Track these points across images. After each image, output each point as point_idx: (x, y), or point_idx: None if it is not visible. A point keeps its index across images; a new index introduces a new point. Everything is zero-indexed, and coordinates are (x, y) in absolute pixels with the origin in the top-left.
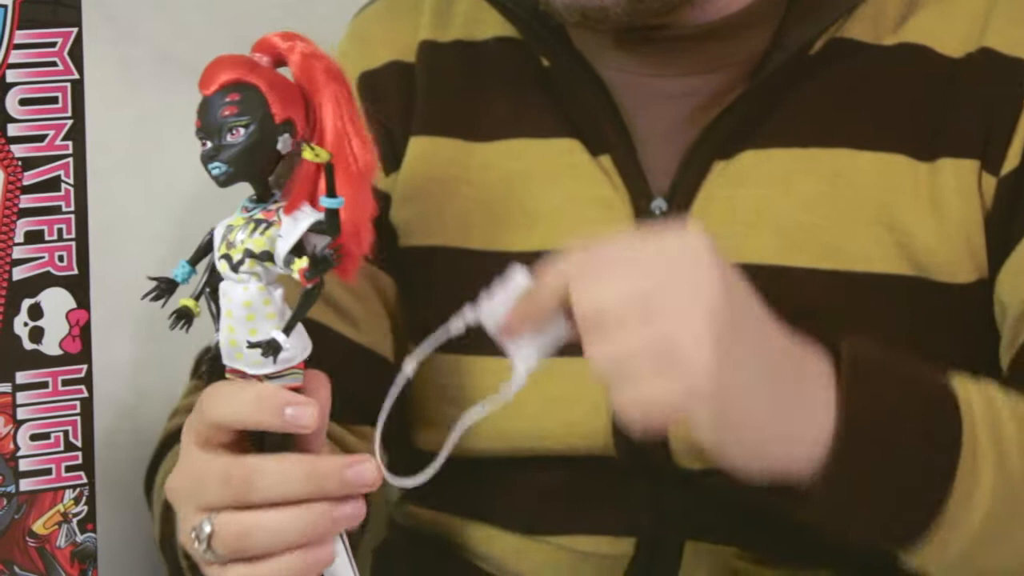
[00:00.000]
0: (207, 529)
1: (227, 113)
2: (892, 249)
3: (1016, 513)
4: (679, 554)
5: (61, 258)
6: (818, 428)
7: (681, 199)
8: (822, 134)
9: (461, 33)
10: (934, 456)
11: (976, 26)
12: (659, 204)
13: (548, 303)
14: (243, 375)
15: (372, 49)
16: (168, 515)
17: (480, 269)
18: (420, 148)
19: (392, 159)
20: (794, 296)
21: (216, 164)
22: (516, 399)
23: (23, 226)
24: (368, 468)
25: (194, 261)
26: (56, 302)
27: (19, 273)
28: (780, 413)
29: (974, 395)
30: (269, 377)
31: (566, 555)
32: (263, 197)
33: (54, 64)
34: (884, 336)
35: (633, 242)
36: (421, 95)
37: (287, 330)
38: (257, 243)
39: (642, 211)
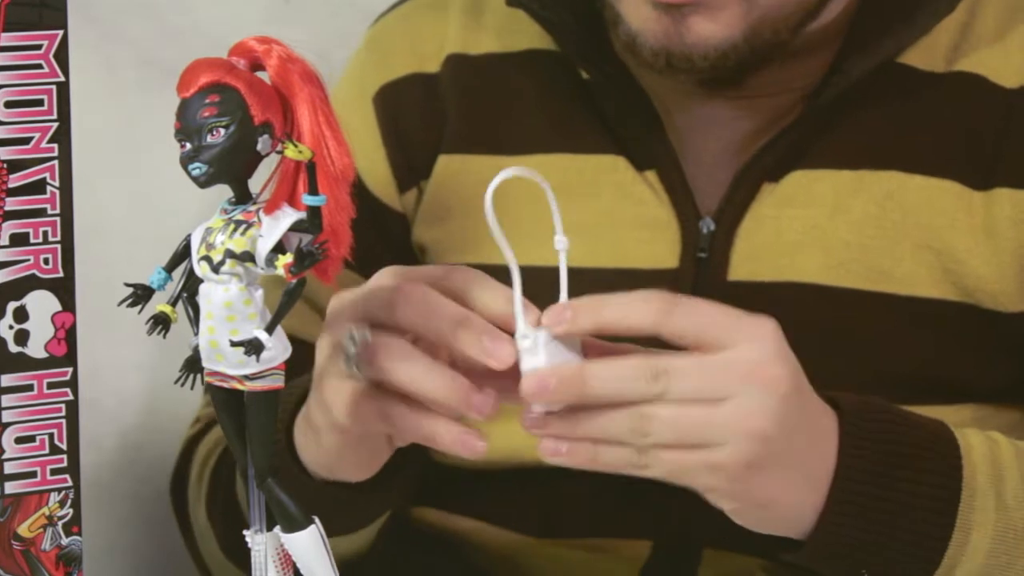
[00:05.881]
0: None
1: (207, 114)
2: (939, 274)
3: (1018, 550)
4: (697, 559)
5: (46, 261)
6: (824, 472)
7: (729, 219)
8: (873, 157)
9: (494, 45)
10: (933, 497)
11: None
12: (707, 223)
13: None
14: (223, 377)
15: (391, 60)
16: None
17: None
18: (450, 166)
19: (409, 175)
20: (838, 316)
21: (196, 164)
22: None
23: (8, 229)
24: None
25: (170, 267)
26: (41, 305)
27: (4, 276)
28: (801, 477)
29: (973, 438)
30: (250, 377)
31: (580, 555)
32: (242, 199)
33: (39, 67)
34: (926, 359)
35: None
36: (451, 112)
37: (268, 330)
38: (238, 243)
39: (690, 230)
